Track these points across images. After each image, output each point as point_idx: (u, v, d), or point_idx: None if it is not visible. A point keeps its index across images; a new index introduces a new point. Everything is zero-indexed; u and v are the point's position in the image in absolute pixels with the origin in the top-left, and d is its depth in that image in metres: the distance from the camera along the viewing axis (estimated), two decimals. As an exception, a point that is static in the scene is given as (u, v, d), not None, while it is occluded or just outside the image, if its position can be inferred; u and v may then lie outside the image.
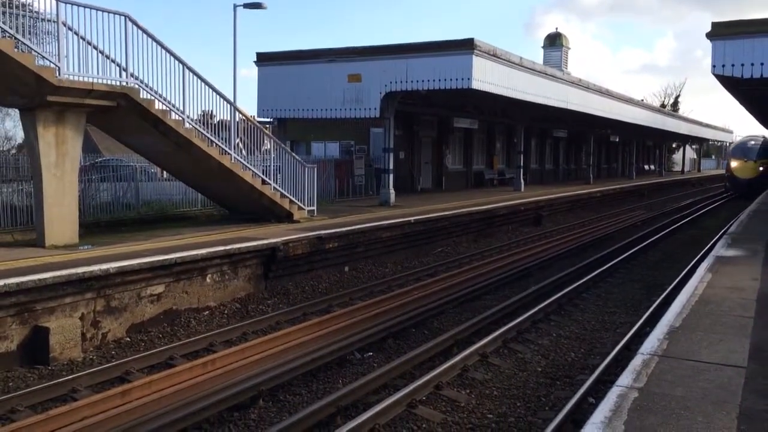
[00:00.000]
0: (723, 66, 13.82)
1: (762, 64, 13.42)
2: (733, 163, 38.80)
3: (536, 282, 13.75)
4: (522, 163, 30.30)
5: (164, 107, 12.83)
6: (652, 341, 6.23)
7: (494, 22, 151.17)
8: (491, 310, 11.14)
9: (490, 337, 9.34)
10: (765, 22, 13.55)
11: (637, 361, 5.64)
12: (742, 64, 13.44)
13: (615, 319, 11.12)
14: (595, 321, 11.02)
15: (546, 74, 25.00)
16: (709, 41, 13.99)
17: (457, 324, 10.59)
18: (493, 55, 20.13)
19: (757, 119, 38.00)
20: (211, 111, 14.56)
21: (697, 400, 4.78)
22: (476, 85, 19.15)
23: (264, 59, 22.58)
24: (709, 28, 13.94)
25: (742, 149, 39.46)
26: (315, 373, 8.46)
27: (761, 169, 37.94)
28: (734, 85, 15.57)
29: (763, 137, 40.92)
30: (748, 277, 9.54)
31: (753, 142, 39.75)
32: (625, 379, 5.22)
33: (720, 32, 13.75)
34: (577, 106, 27.93)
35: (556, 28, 44.71)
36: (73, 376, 8.10)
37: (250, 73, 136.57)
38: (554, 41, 41.28)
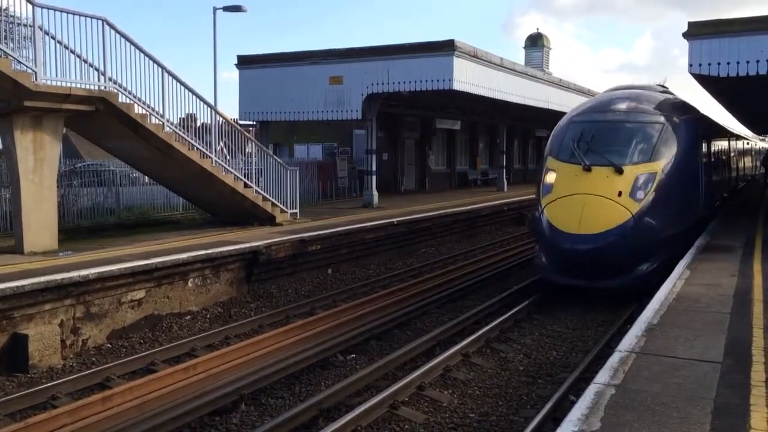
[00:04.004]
0: (700, 65, 13.93)
1: (738, 62, 13.56)
2: (550, 177, 11.69)
3: (518, 281, 13.81)
4: (505, 163, 30.43)
5: (144, 111, 12.75)
6: (630, 338, 6.29)
7: (473, 23, 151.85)
8: (474, 310, 11.19)
9: (472, 337, 9.38)
10: (740, 22, 13.70)
11: (614, 359, 5.69)
12: (719, 63, 13.56)
13: (597, 317, 11.19)
14: (577, 319, 11.09)
15: (527, 74, 25.13)
16: (685, 40, 14.13)
17: (439, 324, 10.62)
18: (474, 56, 20.21)
19: (735, 117, 33.69)
20: (194, 114, 14.51)
21: (673, 395, 4.84)
22: (457, 86, 19.22)
23: (245, 62, 22.51)
24: (685, 28, 14.08)
25: (589, 130, 11.70)
26: (297, 376, 8.45)
27: (654, 198, 10.88)
28: (711, 83, 15.72)
29: (663, 89, 15.22)
30: (727, 273, 9.64)
31: (626, 106, 12.41)
32: (603, 376, 5.27)
33: (696, 32, 13.87)
34: (559, 106, 28.09)
35: (537, 29, 44.92)
36: (53, 383, 8.03)
37: (230, 76, 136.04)
38: (536, 42, 41.54)
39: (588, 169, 11.07)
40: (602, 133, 11.62)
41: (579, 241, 10.50)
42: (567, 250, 10.77)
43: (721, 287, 8.64)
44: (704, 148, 14.61)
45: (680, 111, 13.04)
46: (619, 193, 10.69)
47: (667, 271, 9.81)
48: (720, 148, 19.69)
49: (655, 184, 10.95)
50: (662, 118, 11.94)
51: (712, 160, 16.62)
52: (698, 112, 14.58)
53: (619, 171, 10.94)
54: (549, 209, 11.07)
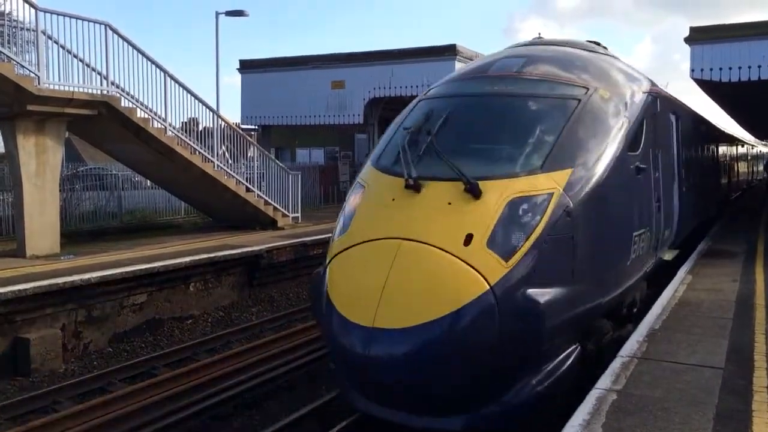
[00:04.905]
0: (702, 70, 13.98)
1: (740, 67, 13.60)
2: (353, 200, 6.27)
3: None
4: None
5: (146, 115, 12.79)
6: (632, 344, 6.27)
7: (474, 28, 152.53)
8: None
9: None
10: (741, 27, 13.73)
11: (616, 364, 5.67)
12: (720, 68, 13.59)
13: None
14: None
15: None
16: (687, 45, 14.17)
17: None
18: (476, 61, 20.23)
19: (736, 121, 32.36)
20: (196, 118, 14.56)
21: (675, 401, 4.82)
22: (459, 90, 19.20)
23: (247, 66, 22.58)
24: (686, 33, 14.12)
25: (442, 111, 6.53)
26: (299, 380, 8.45)
27: (547, 246, 5.49)
28: (713, 88, 15.74)
29: (598, 47, 8.73)
30: (728, 278, 9.61)
31: (517, 69, 6.88)
32: (605, 381, 5.25)
33: (698, 37, 13.91)
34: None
35: (539, 34, 44.68)
36: (54, 387, 8.04)
37: (232, 80, 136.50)
38: (537, 46, 41.57)
39: (414, 187, 5.74)
40: (462, 116, 6.53)
41: (376, 343, 5.10)
42: (356, 359, 5.25)
43: (723, 292, 8.61)
44: (668, 146, 9.13)
45: (621, 82, 7.46)
46: (468, 239, 5.33)
47: (589, 373, 5.82)
48: (700, 147, 13.69)
49: (549, 217, 5.56)
50: (581, 92, 6.63)
51: (685, 164, 10.51)
52: (657, 88, 8.66)
53: (474, 191, 5.56)
54: (333, 269, 5.74)
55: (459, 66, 19.10)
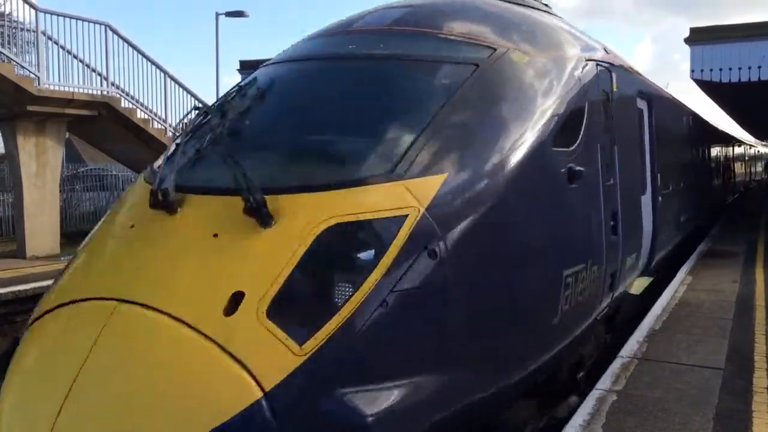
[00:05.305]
0: (702, 71, 14.00)
1: (740, 68, 13.62)
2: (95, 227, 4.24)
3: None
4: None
5: (146, 116, 12.81)
6: (632, 344, 6.27)
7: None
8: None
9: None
10: (741, 28, 13.76)
11: (616, 365, 5.67)
12: (720, 69, 13.62)
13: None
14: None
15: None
16: (687, 46, 14.19)
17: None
18: (476, 62, 20.16)
19: (736, 122, 31.93)
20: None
21: (675, 401, 4.82)
22: (459, 91, 19.14)
23: (247, 67, 22.57)
24: (686, 33, 14.15)
25: (264, 84, 4.47)
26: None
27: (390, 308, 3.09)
28: (713, 89, 15.77)
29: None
30: (728, 279, 9.62)
31: (392, 22, 4.75)
32: (605, 382, 5.25)
33: (698, 38, 13.94)
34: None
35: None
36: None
37: (232, 80, 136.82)
38: (537, 47, 41.54)
39: (165, 205, 3.41)
40: (290, 91, 4.61)
41: None
42: None
43: (723, 293, 8.62)
44: (633, 140, 6.79)
45: (553, 45, 5.22)
46: (235, 302, 2.96)
47: None
48: (687, 145, 11.75)
49: (397, 256, 3.21)
50: (483, 53, 4.49)
51: (663, 166, 8.27)
52: (614, 57, 6.55)
53: (258, 213, 3.17)
54: (17, 355, 3.57)
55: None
